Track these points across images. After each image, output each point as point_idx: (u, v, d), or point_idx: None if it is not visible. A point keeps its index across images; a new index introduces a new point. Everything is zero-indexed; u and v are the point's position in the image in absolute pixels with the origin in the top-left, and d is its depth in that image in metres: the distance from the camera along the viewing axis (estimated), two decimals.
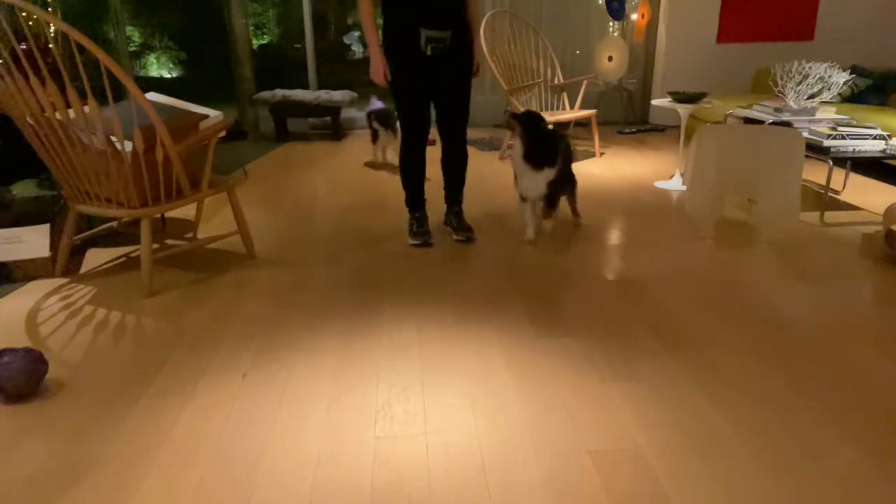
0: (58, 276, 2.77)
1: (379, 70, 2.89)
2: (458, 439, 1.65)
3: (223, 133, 2.87)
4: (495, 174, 4.68)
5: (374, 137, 4.76)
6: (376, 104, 5.04)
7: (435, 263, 2.90)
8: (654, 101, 4.51)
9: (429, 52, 2.83)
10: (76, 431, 1.71)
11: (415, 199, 3.21)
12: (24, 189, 3.20)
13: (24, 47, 2.27)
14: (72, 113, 2.38)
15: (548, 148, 2.96)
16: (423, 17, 2.79)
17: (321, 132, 6.66)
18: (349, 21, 12.26)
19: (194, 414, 1.78)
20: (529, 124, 2.96)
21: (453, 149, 3.12)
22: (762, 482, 1.49)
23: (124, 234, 3.27)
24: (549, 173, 2.97)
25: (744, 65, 6.39)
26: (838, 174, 4.33)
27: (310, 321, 2.34)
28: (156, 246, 3.17)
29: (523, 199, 3.12)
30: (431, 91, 2.96)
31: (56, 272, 2.78)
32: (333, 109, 6.12)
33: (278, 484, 1.50)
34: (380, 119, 4.70)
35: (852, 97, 5.24)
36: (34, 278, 2.75)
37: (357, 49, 11.92)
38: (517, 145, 2.98)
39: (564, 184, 3.19)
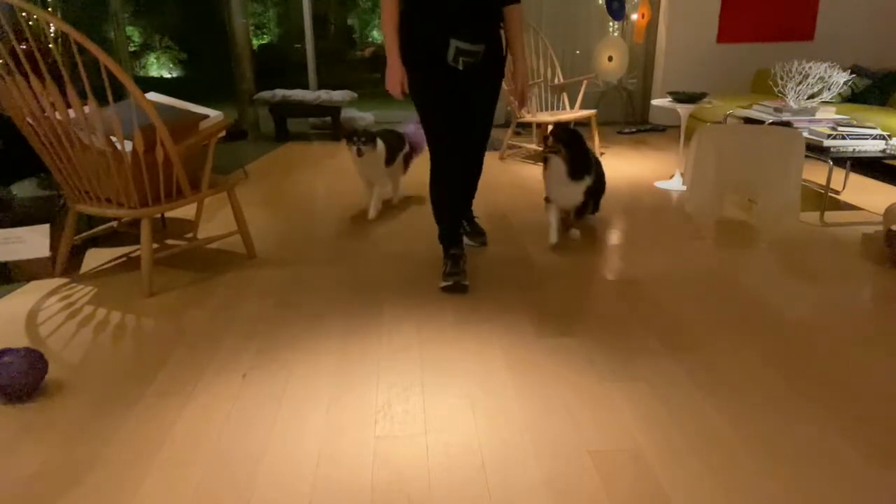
0: (58, 276, 2.77)
1: (396, 80, 2.50)
2: (458, 439, 1.65)
3: (223, 133, 2.87)
4: (496, 175, 4.68)
5: (358, 150, 3.41)
6: (409, 127, 3.90)
7: (435, 264, 2.90)
8: (654, 101, 4.51)
9: (461, 67, 2.49)
10: (76, 431, 1.71)
11: (450, 233, 2.71)
12: (24, 189, 3.20)
13: (24, 47, 2.27)
14: (72, 113, 2.38)
15: (587, 160, 3.04)
16: (455, 26, 2.44)
17: (321, 132, 6.66)
18: (349, 21, 12.26)
19: (194, 414, 1.78)
20: (573, 143, 2.98)
21: (468, 170, 2.83)
22: (762, 482, 1.49)
23: (124, 234, 3.27)
24: (588, 181, 3.05)
25: (744, 65, 6.40)
26: (838, 174, 4.33)
27: (310, 321, 2.34)
28: (156, 246, 3.17)
29: (548, 200, 3.15)
30: (455, 108, 2.62)
31: (56, 272, 2.78)
32: (333, 109, 6.12)
33: (278, 484, 1.50)
34: (380, 137, 3.51)
35: (852, 97, 5.24)
36: (34, 278, 2.75)
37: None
38: (557, 164, 2.96)
39: (598, 187, 3.30)
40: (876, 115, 4.49)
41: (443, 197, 2.70)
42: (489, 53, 2.55)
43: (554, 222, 3.15)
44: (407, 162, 3.84)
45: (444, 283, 2.62)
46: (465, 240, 3.00)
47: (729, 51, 6.43)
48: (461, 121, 2.64)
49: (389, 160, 3.60)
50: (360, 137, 3.33)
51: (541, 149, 5.33)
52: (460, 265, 2.65)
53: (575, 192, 3.05)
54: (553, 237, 3.14)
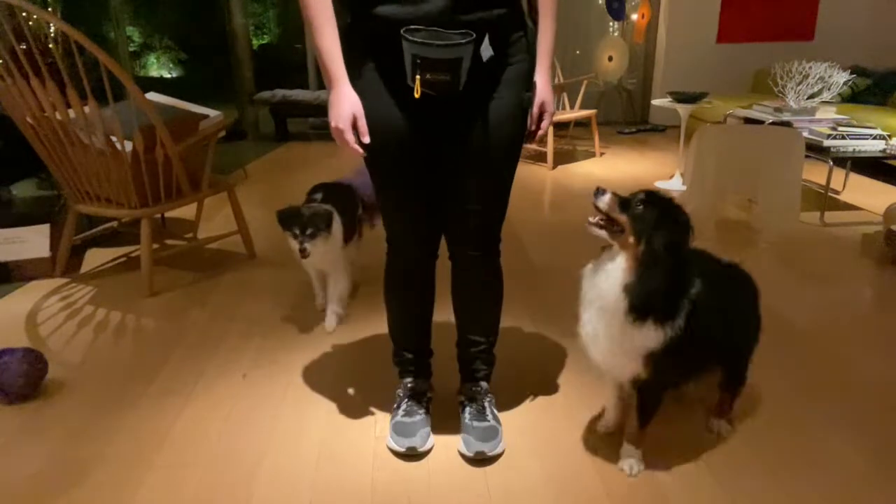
0: (58, 276, 2.77)
1: (346, 117, 1.35)
2: (458, 439, 1.65)
3: (223, 133, 2.87)
4: None
5: (302, 251, 2.13)
6: (357, 177, 2.59)
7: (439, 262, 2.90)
8: (654, 101, 4.51)
9: (418, 93, 1.29)
10: (76, 431, 1.71)
11: (407, 358, 1.73)
12: (24, 189, 3.20)
13: (24, 47, 2.27)
14: (72, 113, 2.38)
15: (682, 274, 1.37)
16: (406, 9, 1.26)
17: (321, 132, 6.65)
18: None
19: (194, 414, 1.78)
20: (664, 227, 1.34)
21: (472, 272, 1.62)
22: (763, 483, 1.49)
23: (124, 234, 3.27)
24: (654, 334, 1.35)
25: (744, 65, 6.39)
26: (838, 174, 4.32)
27: (310, 321, 2.34)
28: (156, 246, 3.17)
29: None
30: (437, 161, 1.47)
31: (56, 272, 2.78)
32: None
33: (278, 484, 1.50)
34: (313, 217, 2.14)
35: (852, 97, 5.24)
36: (34, 278, 2.75)
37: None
38: (610, 266, 1.37)
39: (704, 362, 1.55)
40: (876, 115, 4.49)
41: (400, 303, 1.72)
42: (490, 56, 1.33)
43: (611, 398, 1.67)
44: (361, 226, 2.55)
45: (392, 444, 1.60)
46: (461, 446, 1.60)
47: (729, 51, 6.43)
48: (450, 181, 1.49)
49: (348, 235, 2.32)
50: (303, 230, 2.09)
51: (541, 149, 5.31)
52: (416, 408, 1.65)
53: (628, 349, 1.38)
54: (608, 419, 1.69)
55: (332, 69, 1.36)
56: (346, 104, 1.35)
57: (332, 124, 1.37)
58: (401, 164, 1.44)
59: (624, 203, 1.37)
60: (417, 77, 1.26)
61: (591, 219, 1.40)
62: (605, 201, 1.37)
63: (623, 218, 1.36)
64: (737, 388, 1.68)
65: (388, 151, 1.42)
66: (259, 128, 6.77)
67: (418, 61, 1.25)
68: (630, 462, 1.54)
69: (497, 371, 1.74)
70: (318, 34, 1.34)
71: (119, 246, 3.17)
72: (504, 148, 1.46)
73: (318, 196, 2.30)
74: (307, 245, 2.10)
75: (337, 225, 2.21)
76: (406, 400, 1.67)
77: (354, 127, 1.37)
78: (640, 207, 1.35)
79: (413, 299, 1.68)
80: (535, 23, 1.44)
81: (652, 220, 1.33)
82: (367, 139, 1.38)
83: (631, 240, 1.34)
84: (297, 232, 2.09)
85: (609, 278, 1.36)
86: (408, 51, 1.25)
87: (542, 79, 1.46)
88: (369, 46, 1.37)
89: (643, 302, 1.32)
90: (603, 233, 1.38)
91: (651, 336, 1.34)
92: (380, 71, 1.37)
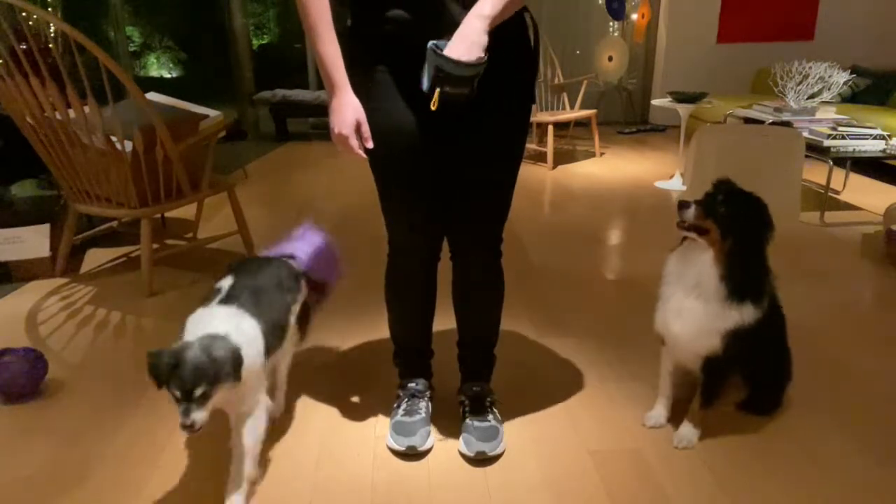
0: (58, 276, 2.77)
1: (349, 124, 1.35)
2: (459, 439, 1.65)
3: (223, 133, 2.87)
4: None
5: (188, 427, 1.23)
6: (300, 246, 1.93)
7: (442, 263, 2.89)
8: (655, 101, 4.51)
9: (434, 106, 1.26)
10: (76, 432, 1.71)
11: (408, 358, 1.75)
12: (24, 189, 3.20)
13: (24, 47, 2.27)
14: (72, 113, 2.38)
15: (764, 264, 1.55)
16: (424, 16, 1.28)
17: (321, 132, 6.66)
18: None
19: None
20: (747, 220, 1.48)
21: (473, 272, 1.62)
22: (763, 483, 1.49)
23: (124, 234, 3.27)
24: (748, 311, 1.51)
25: (744, 65, 6.39)
26: (838, 174, 4.33)
27: None
28: (156, 246, 3.17)
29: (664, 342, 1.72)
30: (444, 163, 1.45)
31: (56, 272, 2.78)
32: None
33: (278, 484, 1.50)
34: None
35: (852, 97, 5.24)
36: (34, 278, 2.75)
37: None
38: (699, 257, 1.51)
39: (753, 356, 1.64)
40: (876, 115, 4.49)
41: (400, 302, 1.73)
42: (497, 64, 1.29)
43: (664, 386, 1.74)
44: (306, 317, 1.82)
45: (391, 443, 1.60)
46: (460, 446, 1.61)
47: (729, 51, 6.43)
48: (453, 181, 1.47)
49: (274, 343, 1.49)
50: (188, 392, 1.24)
51: (541, 149, 5.32)
52: (417, 409, 1.65)
53: (718, 326, 1.52)
54: (656, 414, 1.72)
55: (334, 75, 1.36)
56: (350, 110, 1.36)
57: (336, 130, 1.36)
58: (409, 166, 1.43)
59: (707, 207, 1.47)
60: (437, 90, 1.25)
61: (679, 222, 1.51)
62: (690, 215, 1.48)
63: (709, 223, 1.47)
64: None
65: (397, 154, 1.42)
66: (259, 128, 6.77)
67: (441, 75, 1.23)
68: (688, 438, 1.62)
69: (497, 371, 1.74)
70: (318, 40, 1.35)
71: (119, 246, 3.17)
72: (508, 150, 1.47)
73: (226, 283, 1.57)
74: (196, 416, 1.23)
75: (250, 365, 1.32)
76: (406, 399, 1.68)
77: (357, 132, 1.37)
78: (723, 210, 1.46)
79: (414, 300, 1.69)
80: (535, 22, 1.42)
81: (735, 219, 1.45)
82: (370, 144, 1.39)
83: (718, 237, 1.46)
84: (179, 395, 1.24)
85: (704, 269, 1.50)
86: (431, 62, 1.23)
87: (468, 23, 1.23)
88: (379, 49, 1.36)
89: (740, 289, 1.48)
90: (692, 234, 1.50)
91: (746, 313, 1.50)
92: (391, 74, 1.37)
